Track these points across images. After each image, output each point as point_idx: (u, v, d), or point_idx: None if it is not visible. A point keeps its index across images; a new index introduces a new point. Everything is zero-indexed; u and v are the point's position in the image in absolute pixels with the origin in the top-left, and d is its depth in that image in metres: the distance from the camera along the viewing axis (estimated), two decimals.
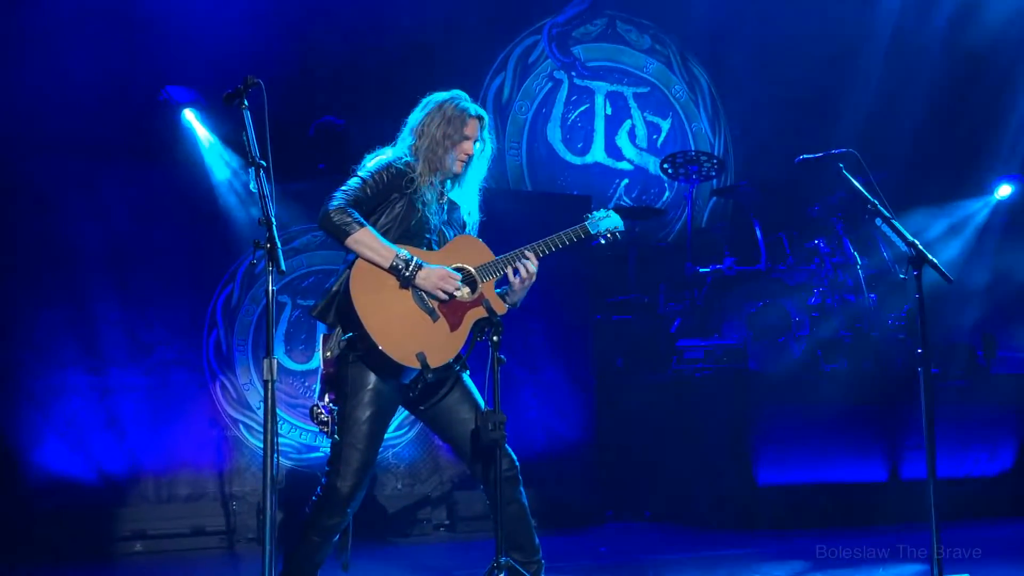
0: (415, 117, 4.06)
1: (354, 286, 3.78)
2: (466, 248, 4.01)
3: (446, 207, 4.08)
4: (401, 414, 6.74)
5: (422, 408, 4.04)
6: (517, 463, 3.97)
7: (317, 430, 4.44)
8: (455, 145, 3.99)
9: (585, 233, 4.15)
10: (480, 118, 4.06)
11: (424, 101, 4.09)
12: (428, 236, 3.97)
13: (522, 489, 3.99)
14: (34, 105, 6.70)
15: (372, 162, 3.97)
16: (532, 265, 3.99)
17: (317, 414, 3.90)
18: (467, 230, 4.15)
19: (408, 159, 3.97)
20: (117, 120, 6.88)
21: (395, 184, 3.92)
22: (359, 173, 3.92)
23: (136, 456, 6.35)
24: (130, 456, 6.34)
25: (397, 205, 3.93)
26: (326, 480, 3.84)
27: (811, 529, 6.51)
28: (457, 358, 3.92)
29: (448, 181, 4.08)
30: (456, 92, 4.09)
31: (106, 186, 6.48)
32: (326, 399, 4.20)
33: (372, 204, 3.90)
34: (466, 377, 4.02)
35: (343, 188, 3.87)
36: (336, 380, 3.88)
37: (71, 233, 6.37)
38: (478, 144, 4.05)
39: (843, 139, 5.09)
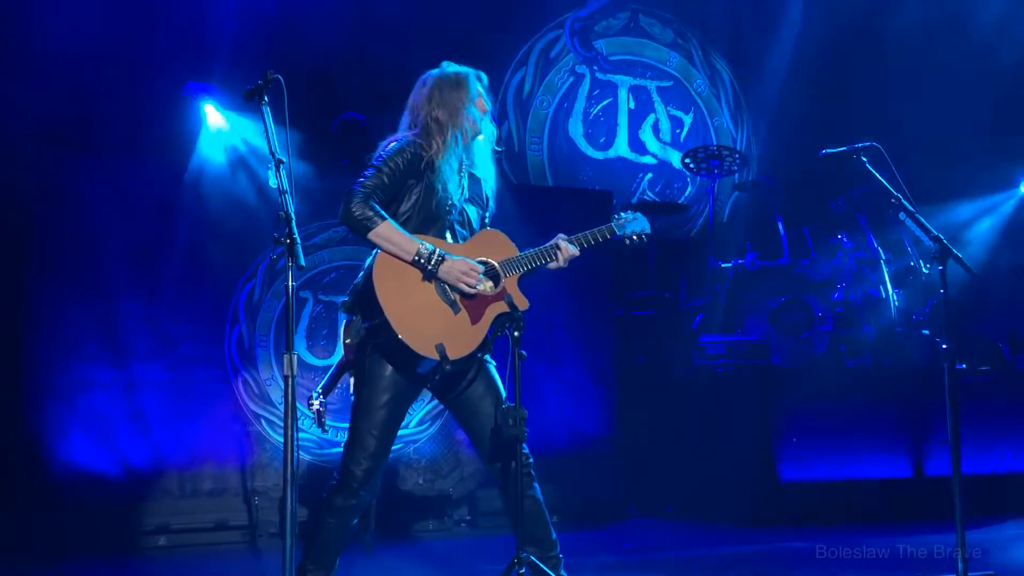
0: (419, 95, 4.08)
1: (377, 276, 3.80)
2: (490, 242, 4.01)
3: (466, 184, 4.07)
4: (423, 408, 6.77)
5: (447, 397, 4.05)
6: (531, 459, 3.98)
7: (337, 424, 4.45)
8: (472, 102, 4.03)
9: (611, 234, 4.16)
10: (479, 76, 4.12)
11: (420, 80, 4.11)
12: (450, 218, 3.96)
13: (536, 484, 4.00)
14: (58, 102, 6.74)
15: (385, 148, 3.97)
16: (573, 249, 4.08)
17: (311, 404, 3.99)
18: (489, 199, 4.15)
19: (420, 140, 3.97)
20: (140, 116, 6.91)
21: (412, 169, 3.92)
22: (374, 162, 3.93)
23: (160, 450, 6.39)
24: (154, 450, 6.38)
25: (415, 191, 3.93)
26: (342, 463, 3.90)
27: (834, 526, 6.47)
28: (481, 346, 3.91)
29: (464, 154, 4.07)
30: (444, 63, 4.13)
31: (130, 182, 6.51)
32: (318, 390, 4.25)
33: (391, 191, 3.90)
34: (493, 371, 4.02)
35: (359, 180, 3.87)
36: (356, 366, 3.93)
37: (96, 229, 6.41)
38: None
39: (867, 133, 5.04)
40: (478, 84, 4.09)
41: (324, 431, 4.94)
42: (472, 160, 4.12)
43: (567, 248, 4.09)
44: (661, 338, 8.26)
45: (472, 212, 4.07)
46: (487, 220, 4.20)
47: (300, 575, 3.88)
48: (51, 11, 6.92)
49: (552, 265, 4.10)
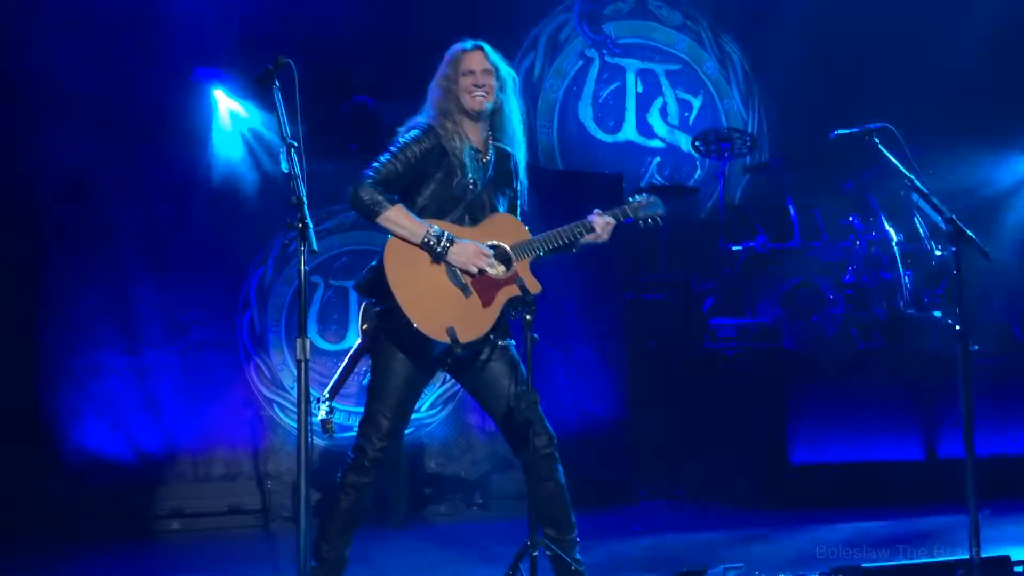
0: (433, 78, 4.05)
1: (388, 260, 3.80)
2: (503, 226, 4.00)
3: (491, 162, 4.04)
4: (435, 392, 6.79)
5: (465, 380, 4.06)
6: (555, 440, 3.98)
7: (350, 408, 4.45)
8: (456, 83, 3.96)
9: (624, 216, 4.15)
10: (477, 48, 4.00)
11: None
12: (469, 202, 3.94)
13: (559, 467, 4.00)
14: (69, 88, 6.74)
15: (404, 135, 3.96)
16: (611, 219, 4.06)
17: (319, 408, 4.03)
18: (519, 167, 4.10)
19: (435, 123, 3.95)
20: (150, 102, 6.91)
21: (429, 157, 3.90)
22: (391, 148, 3.92)
23: (173, 435, 6.42)
24: (167, 435, 6.41)
25: (435, 178, 3.92)
26: (356, 442, 3.93)
27: (845, 508, 6.47)
28: (493, 329, 3.91)
29: (489, 130, 4.04)
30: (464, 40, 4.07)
31: (141, 168, 6.54)
32: (325, 394, 4.27)
33: (406, 179, 3.88)
34: (514, 351, 4.02)
35: (373, 165, 3.86)
36: (371, 350, 3.97)
37: (108, 215, 6.44)
38: (487, 75, 3.96)
39: (879, 114, 5.02)
40: (474, 58, 3.97)
41: (331, 437, 4.94)
42: (498, 131, 4.07)
43: (602, 220, 4.07)
44: (672, 322, 8.25)
45: (497, 194, 4.04)
46: (519, 196, 4.15)
47: (315, 554, 3.91)
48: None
49: (589, 239, 4.07)
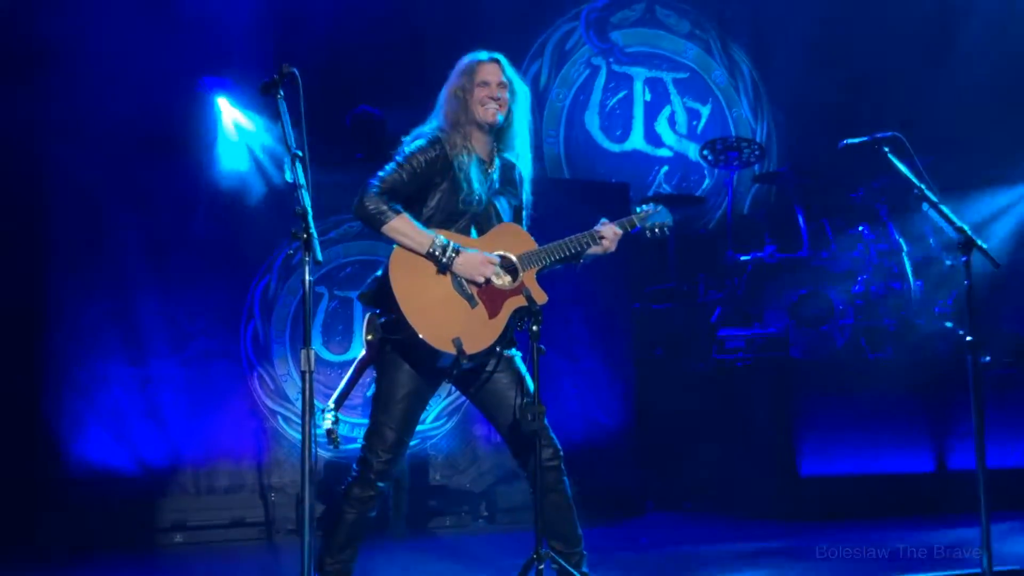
0: (446, 83, 4.03)
1: (393, 271, 3.78)
2: (508, 236, 3.97)
3: (496, 175, 4.01)
4: (440, 404, 6.75)
5: (471, 391, 4.03)
6: (561, 453, 3.94)
7: (354, 420, 4.39)
8: (471, 94, 3.93)
9: (632, 226, 4.12)
10: (494, 61, 3.99)
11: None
12: (474, 213, 3.92)
13: (566, 479, 3.97)
14: (75, 98, 6.74)
15: (409, 145, 3.93)
16: (619, 230, 4.05)
17: (324, 419, 4.00)
18: (524, 180, 4.09)
19: (441, 134, 3.93)
20: (156, 111, 6.90)
21: (434, 167, 3.87)
22: (396, 158, 3.89)
23: (176, 446, 6.39)
24: (170, 446, 6.38)
25: (440, 188, 3.89)
26: (361, 454, 3.89)
27: (856, 521, 6.41)
28: (500, 340, 3.88)
29: (495, 143, 4.02)
30: (478, 51, 4.05)
31: (146, 178, 6.53)
32: (331, 404, 4.24)
33: (411, 188, 3.86)
34: (519, 361, 3.99)
35: (379, 174, 3.84)
36: (376, 360, 3.93)
37: (113, 225, 6.44)
38: (502, 88, 3.95)
39: (889, 122, 4.98)
40: (491, 69, 3.96)
41: (336, 448, 4.92)
42: (504, 145, 4.05)
43: (609, 230, 4.04)
44: (679, 332, 8.21)
45: (503, 204, 4.02)
46: (524, 207, 4.13)
47: (319, 568, 3.87)
48: (66, 10, 6.91)
49: (596, 250, 4.05)
